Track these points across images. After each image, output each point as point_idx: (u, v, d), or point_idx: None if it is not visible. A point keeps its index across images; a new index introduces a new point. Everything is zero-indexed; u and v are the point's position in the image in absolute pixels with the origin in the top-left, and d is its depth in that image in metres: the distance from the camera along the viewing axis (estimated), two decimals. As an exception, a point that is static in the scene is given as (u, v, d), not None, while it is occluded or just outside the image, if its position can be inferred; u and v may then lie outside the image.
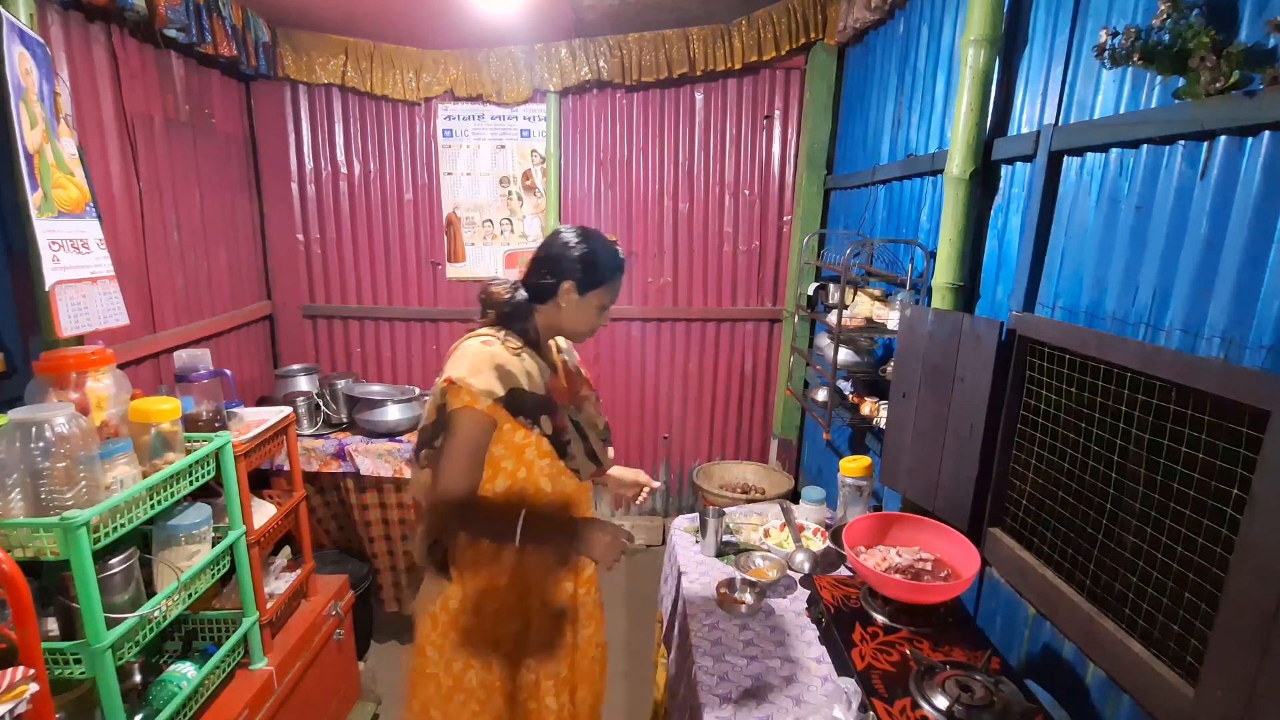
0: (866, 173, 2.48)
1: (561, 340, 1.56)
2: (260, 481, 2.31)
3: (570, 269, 1.35)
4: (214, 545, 1.58)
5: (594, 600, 1.61)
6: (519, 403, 1.30)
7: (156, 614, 1.39)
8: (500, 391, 1.27)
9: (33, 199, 1.54)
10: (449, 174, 3.22)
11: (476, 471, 1.32)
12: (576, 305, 1.38)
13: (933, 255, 1.81)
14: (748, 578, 1.79)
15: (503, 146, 3.19)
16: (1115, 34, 1.10)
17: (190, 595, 1.50)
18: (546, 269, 1.37)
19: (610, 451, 1.54)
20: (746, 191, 3.22)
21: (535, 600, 1.45)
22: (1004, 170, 1.62)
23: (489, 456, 1.34)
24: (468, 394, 1.27)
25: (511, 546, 1.34)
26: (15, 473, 1.19)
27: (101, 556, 1.31)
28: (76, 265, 1.65)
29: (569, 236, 1.38)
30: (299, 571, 2.01)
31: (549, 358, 1.46)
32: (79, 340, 1.69)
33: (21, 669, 1.03)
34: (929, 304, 1.78)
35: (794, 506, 2.14)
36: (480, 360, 1.29)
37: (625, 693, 2.51)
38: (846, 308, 2.15)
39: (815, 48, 2.90)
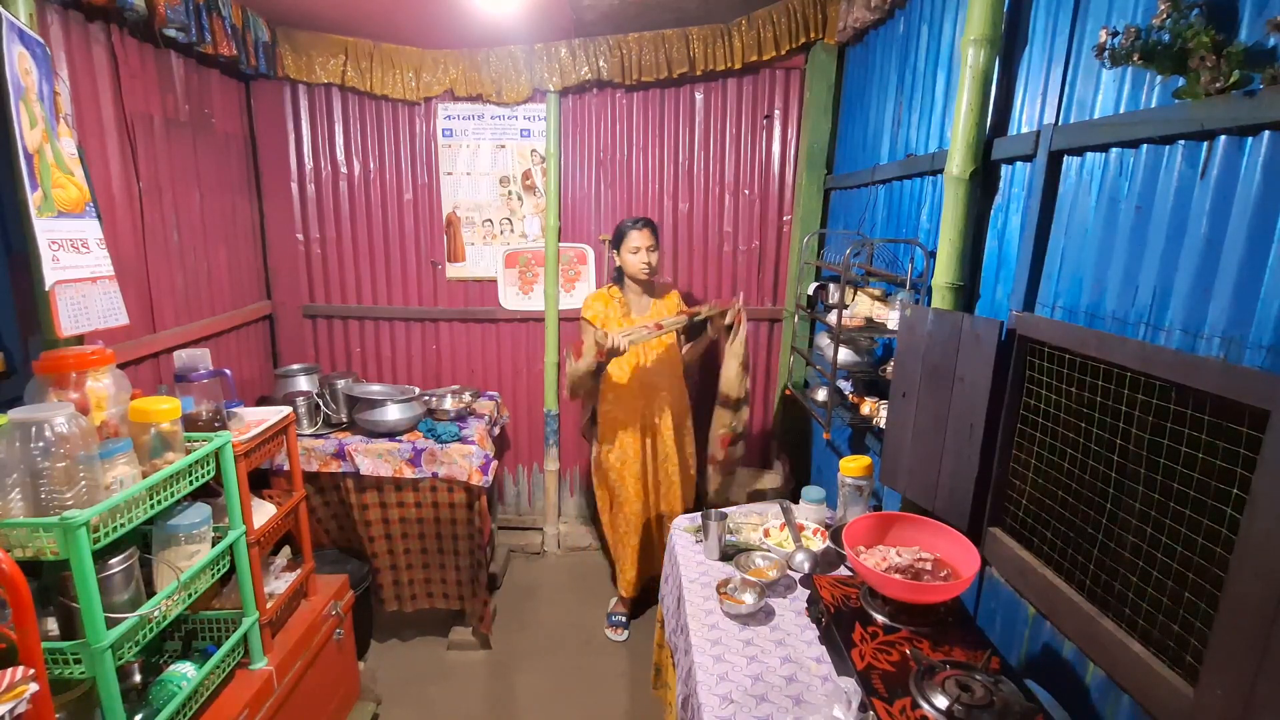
0: (866, 173, 2.48)
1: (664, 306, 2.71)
2: (260, 481, 2.31)
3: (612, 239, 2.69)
4: (214, 545, 1.58)
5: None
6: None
7: (156, 614, 1.39)
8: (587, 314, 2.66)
9: (32, 199, 1.54)
10: (449, 174, 3.22)
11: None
12: (621, 257, 2.64)
13: (933, 255, 1.81)
14: (748, 578, 1.79)
15: (503, 146, 3.19)
16: (1115, 34, 1.10)
17: (190, 595, 1.50)
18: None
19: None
20: (746, 191, 3.22)
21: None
22: (1004, 170, 1.61)
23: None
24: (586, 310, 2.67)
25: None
26: (15, 473, 1.19)
27: (101, 556, 1.31)
28: (76, 265, 1.65)
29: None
30: (299, 571, 2.01)
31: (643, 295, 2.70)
32: (79, 340, 1.69)
33: (21, 669, 1.03)
34: (929, 304, 1.78)
35: (794, 506, 2.14)
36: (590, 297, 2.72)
37: (626, 692, 2.52)
38: (846, 307, 2.15)
39: (815, 47, 2.90)
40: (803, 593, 1.80)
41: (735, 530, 2.10)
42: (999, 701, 1.15)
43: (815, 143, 2.97)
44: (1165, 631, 1.09)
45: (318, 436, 2.62)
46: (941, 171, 1.74)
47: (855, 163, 2.71)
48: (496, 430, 3.11)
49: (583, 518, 3.58)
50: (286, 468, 2.09)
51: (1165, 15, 1.02)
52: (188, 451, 1.52)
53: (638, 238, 2.56)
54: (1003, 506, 1.54)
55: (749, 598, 1.73)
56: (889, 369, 1.98)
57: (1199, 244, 1.05)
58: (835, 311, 2.09)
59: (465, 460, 2.57)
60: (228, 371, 1.94)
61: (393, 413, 2.65)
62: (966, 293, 1.72)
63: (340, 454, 2.57)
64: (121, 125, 2.16)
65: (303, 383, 2.84)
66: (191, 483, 1.51)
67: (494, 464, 2.68)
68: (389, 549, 2.70)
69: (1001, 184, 1.62)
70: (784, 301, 3.29)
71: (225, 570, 1.64)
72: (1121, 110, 1.23)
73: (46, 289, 1.56)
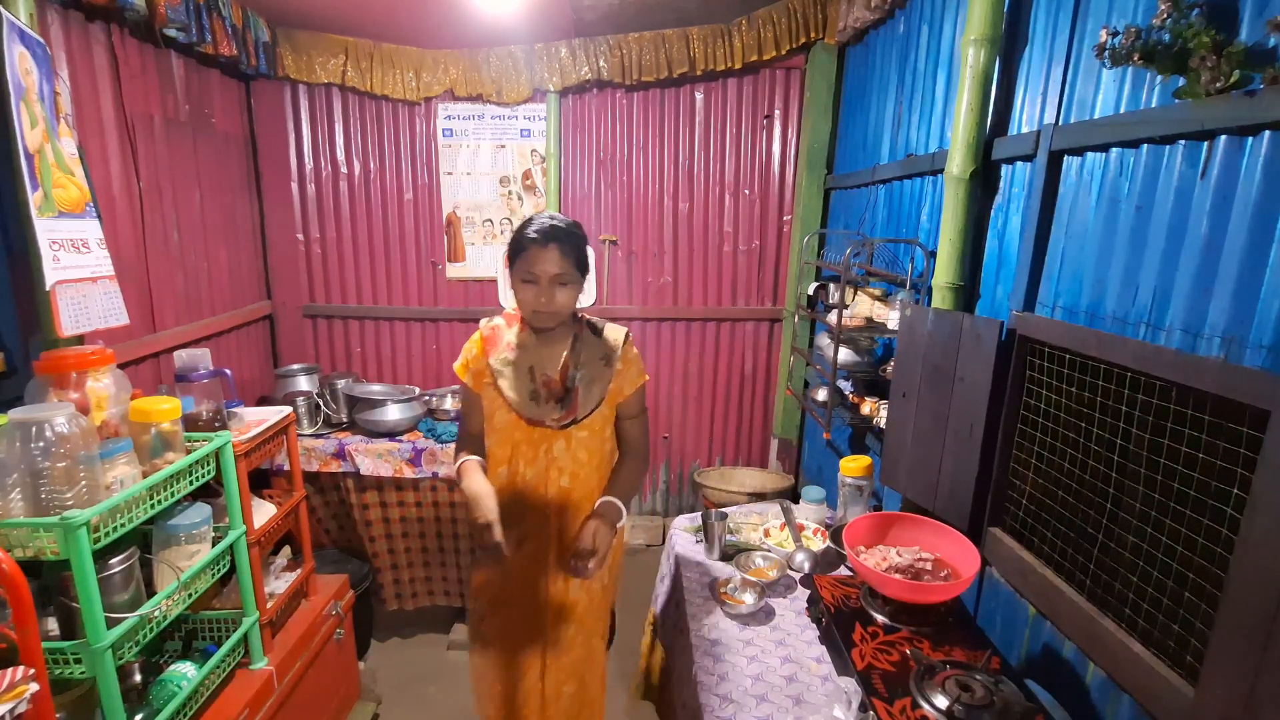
0: (866, 172, 2.48)
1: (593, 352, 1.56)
2: (260, 481, 2.30)
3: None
4: (214, 545, 1.58)
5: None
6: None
7: (156, 614, 1.39)
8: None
9: (33, 199, 1.54)
10: (449, 174, 3.22)
11: None
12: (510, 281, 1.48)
13: (933, 255, 1.81)
14: (748, 578, 1.79)
15: (503, 146, 3.19)
16: (1115, 34, 1.10)
17: (190, 595, 1.50)
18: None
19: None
20: (746, 191, 3.22)
21: None
22: (1004, 170, 1.61)
23: None
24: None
25: None
26: (15, 473, 1.19)
27: (101, 556, 1.31)
28: (76, 265, 1.65)
29: None
30: (299, 571, 2.01)
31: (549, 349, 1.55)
32: (79, 340, 1.69)
33: (22, 669, 1.03)
34: (929, 304, 1.78)
35: (794, 506, 2.14)
36: None
37: (626, 692, 2.51)
38: (846, 307, 2.15)
39: (815, 47, 2.90)
40: (803, 593, 1.80)
41: (735, 530, 2.10)
42: (999, 701, 1.15)
43: (815, 143, 2.97)
44: (1165, 631, 1.09)
45: (318, 436, 2.62)
46: (941, 171, 1.74)
47: (855, 163, 2.71)
48: (496, 430, 3.11)
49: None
50: (287, 468, 2.09)
51: (1165, 15, 1.02)
52: (188, 451, 1.52)
53: (538, 258, 1.41)
54: (1003, 506, 1.54)
55: (749, 598, 1.73)
56: (889, 369, 1.98)
57: (1199, 244, 1.05)
58: (835, 311, 2.09)
59: (465, 460, 2.57)
60: (228, 371, 1.93)
61: (393, 413, 2.65)
62: (967, 293, 1.72)
63: (340, 454, 2.57)
64: (122, 125, 2.15)
65: (303, 383, 2.84)
66: (191, 483, 1.51)
67: (494, 464, 2.68)
68: (389, 549, 2.70)
69: (1001, 184, 1.62)
70: (784, 301, 3.29)
71: (225, 570, 1.63)
72: (1122, 110, 1.23)
73: (47, 289, 1.56)
